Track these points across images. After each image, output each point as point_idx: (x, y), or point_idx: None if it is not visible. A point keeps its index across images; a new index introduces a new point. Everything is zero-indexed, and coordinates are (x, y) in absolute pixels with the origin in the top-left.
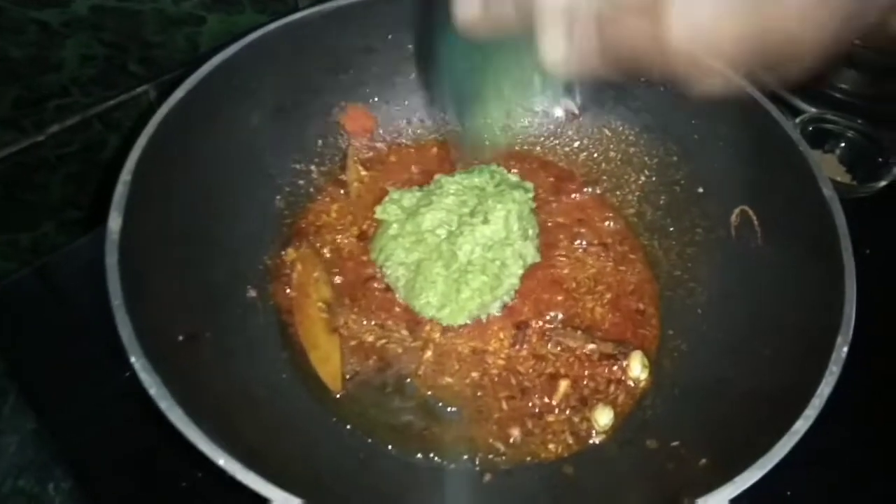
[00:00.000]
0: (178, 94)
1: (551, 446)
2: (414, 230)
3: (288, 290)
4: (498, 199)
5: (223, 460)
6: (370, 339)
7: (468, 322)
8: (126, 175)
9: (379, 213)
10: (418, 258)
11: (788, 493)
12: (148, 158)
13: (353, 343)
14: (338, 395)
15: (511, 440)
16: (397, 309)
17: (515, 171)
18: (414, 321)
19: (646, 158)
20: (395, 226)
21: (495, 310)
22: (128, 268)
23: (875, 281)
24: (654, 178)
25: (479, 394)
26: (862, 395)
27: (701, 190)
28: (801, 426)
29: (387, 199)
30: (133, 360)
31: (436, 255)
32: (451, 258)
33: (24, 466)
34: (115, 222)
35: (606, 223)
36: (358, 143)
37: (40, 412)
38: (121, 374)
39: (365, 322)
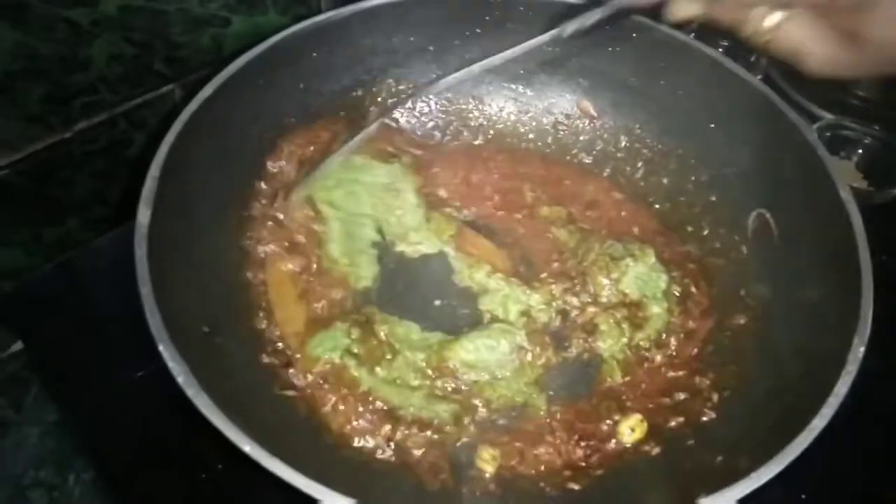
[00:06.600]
0: (207, 91)
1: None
2: None
3: None
4: None
5: (249, 447)
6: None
7: None
8: (155, 170)
9: None
10: None
11: (802, 496)
12: (176, 154)
13: None
14: None
15: None
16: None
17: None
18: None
19: (664, 161)
20: None
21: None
22: (155, 260)
23: (892, 285)
24: (672, 182)
25: None
26: (878, 398)
27: (719, 194)
28: (818, 424)
29: None
30: (161, 347)
31: None
32: None
33: (45, 458)
34: (144, 216)
35: (632, 228)
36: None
37: (62, 404)
38: (141, 367)
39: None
